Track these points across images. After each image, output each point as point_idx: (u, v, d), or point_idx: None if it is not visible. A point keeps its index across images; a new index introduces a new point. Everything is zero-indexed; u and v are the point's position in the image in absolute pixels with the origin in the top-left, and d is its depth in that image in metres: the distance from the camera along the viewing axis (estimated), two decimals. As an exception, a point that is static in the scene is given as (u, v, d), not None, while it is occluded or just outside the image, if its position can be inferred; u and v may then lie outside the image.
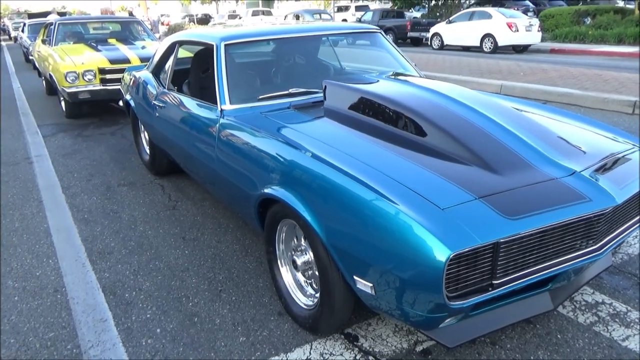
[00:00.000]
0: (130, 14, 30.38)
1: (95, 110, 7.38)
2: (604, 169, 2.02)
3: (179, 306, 2.51)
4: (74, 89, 6.41)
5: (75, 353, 2.19)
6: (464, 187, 1.81)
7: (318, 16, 24.70)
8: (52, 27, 8.02)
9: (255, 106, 2.80)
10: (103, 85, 6.52)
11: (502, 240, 1.64)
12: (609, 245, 1.95)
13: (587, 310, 2.35)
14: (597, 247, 1.91)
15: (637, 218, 2.19)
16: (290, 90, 2.92)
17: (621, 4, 24.41)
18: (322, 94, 2.82)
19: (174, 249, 3.11)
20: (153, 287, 2.69)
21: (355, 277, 1.85)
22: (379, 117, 2.43)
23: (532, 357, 2.05)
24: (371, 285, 1.79)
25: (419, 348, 2.14)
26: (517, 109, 2.59)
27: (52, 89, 8.18)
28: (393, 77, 3.18)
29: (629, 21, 17.23)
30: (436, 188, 1.81)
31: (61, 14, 25.41)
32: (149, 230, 3.39)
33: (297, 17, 23.63)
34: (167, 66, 3.83)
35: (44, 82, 9.25)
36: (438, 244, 1.56)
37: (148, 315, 2.44)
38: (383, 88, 2.75)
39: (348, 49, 4.19)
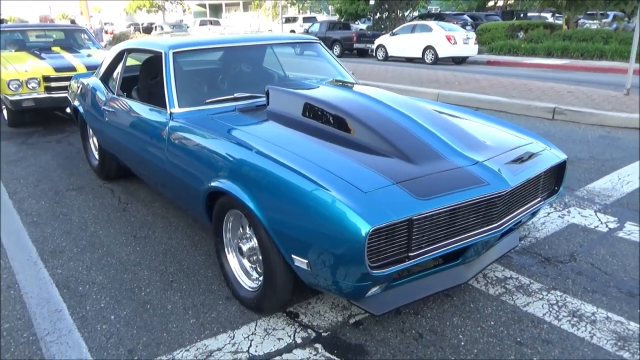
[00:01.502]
0: (73, 22, 29.56)
1: (39, 119, 7.30)
2: (502, 159, 2.38)
3: (131, 296, 2.67)
4: (17, 97, 6.36)
5: (32, 340, 2.32)
6: (384, 174, 2.11)
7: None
8: (-8, 34, 7.86)
9: (202, 109, 3.02)
10: (48, 93, 6.49)
11: (414, 217, 1.95)
12: (508, 223, 2.31)
13: (496, 284, 2.71)
14: (498, 225, 2.26)
15: (535, 201, 2.58)
16: (236, 95, 3.16)
17: (550, 19, 26.15)
18: (265, 98, 3.07)
19: (125, 246, 3.26)
20: (106, 280, 2.84)
21: (293, 256, 2.11)
22: (315, 117, 2.71)
23: (448, 323, 2.38)
24: (307, 262, 2.05)
25: (352, 320, 2.41)
26: (436, 110, 2.95)
27: (-9, 97, 7.99)
28: (331, 83, 3.48)
29: (556, 35, 18.55)
30: (361, 176, 2.10)
31: (-2, 21, 24.39)
32: (100, 231, 3.51)
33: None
34: (116, 73, 3.98)
35: (-18, 90, 8.97)
36: (360, 220, 1.85)
37: (102, 305, 2.59)
38: (320, 93, 3.04)
39: (291, 58, 4.46)
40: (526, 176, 2.35)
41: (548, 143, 2.81)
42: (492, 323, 2.37)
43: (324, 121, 2.67)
